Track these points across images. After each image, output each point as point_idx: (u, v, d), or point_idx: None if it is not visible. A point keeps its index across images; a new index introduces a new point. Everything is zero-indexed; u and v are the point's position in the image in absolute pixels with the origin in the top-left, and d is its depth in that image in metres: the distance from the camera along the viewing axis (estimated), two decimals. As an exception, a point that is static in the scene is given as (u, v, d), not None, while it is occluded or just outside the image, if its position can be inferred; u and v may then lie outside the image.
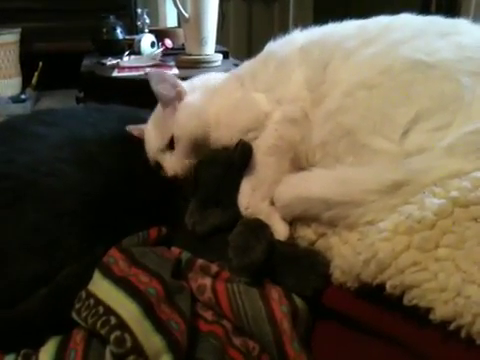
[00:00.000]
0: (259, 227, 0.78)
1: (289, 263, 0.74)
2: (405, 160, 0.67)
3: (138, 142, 0.97)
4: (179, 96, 0.94)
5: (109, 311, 0.66)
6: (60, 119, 0.98)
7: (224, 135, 0.90)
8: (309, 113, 0.82)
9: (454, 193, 0.59)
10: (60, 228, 0.79)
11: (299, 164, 0.82)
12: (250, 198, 0.82)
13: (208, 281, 0.74)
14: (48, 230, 0.78)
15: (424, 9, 2.18)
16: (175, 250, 0.82)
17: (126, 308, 0.67)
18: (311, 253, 0.74)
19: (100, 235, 0.82)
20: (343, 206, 0.68)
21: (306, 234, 0.77)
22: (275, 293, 0.71)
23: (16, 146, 0.87)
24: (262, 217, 0.80)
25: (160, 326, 0.65)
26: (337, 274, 0.68)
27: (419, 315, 0.56)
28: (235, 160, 0.84)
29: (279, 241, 0.78)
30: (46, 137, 0.89)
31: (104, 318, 0.66)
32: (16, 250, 0.76)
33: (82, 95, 1.97)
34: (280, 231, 0.78)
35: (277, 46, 0.94)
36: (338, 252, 0.69)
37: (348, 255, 0.66)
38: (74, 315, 0.70)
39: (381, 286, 0.60)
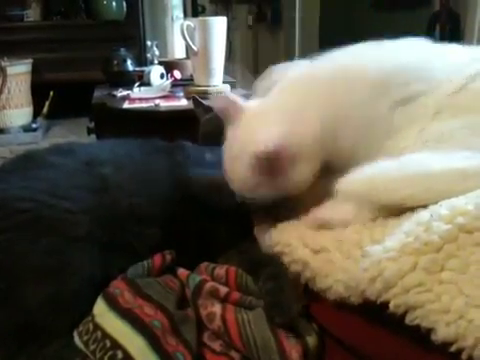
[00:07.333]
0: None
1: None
2: None
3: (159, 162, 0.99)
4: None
5: (116, 345, 0.69)
6: (77, 147, 1.00)
7: None
8: None
9: (460, 219, 0.61)
10: (73, 251, 0.80)
11: None
12: None
13: (218, 309, 0.74)
14: (61, 253, 0.79)
15: (429, 32, 2.19)
16: (183, 273, 0.83)
17: (132, 342, 0.69)
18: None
19: (113, 257, 0.83)
20: None
21: (301, 256, 0.75)
22: None
23: (32, 174, 0.89)
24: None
25: (166, 358, 0.67)
26: (340, 288, 0.68)
27: (420, 336, 0.57)
28: None
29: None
30: (62, 165, 0.92)
31: (111, 352, 0.68)
32: (29, 273, 0.77)
33: (93, 125, 2.01)
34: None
35: None
36: (341, 266, 0.69)
37: (353, 270, 0.67)
38: (83, 347, 0.72)
39: (384, 304, 0.61)
